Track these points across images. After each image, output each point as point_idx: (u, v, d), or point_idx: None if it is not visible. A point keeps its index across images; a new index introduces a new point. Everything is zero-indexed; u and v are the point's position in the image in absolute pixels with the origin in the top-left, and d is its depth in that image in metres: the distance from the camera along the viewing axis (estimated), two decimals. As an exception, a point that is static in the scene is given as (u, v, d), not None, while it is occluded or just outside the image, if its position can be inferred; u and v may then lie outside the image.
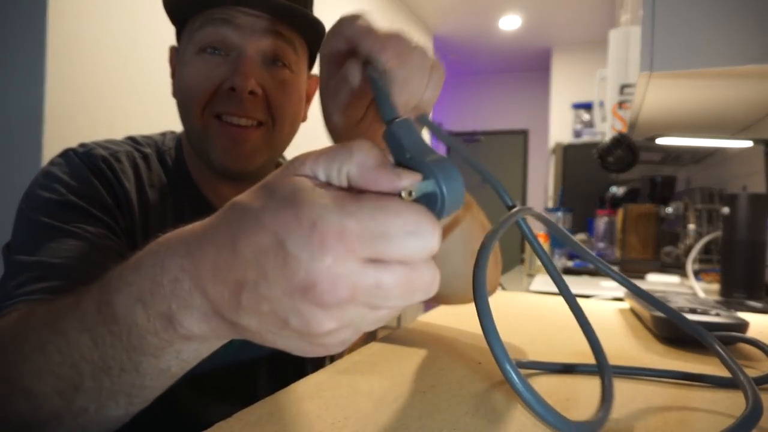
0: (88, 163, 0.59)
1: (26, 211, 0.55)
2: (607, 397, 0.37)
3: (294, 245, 0.22)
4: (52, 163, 0.60)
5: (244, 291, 0.24)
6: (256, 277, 0.24)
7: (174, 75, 0.67)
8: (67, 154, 0.60)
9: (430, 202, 0.25)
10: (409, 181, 0.24)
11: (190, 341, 0.29)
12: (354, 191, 0.24)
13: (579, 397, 0.43)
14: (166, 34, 1.85)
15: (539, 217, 0.41)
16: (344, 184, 0.25)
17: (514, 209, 0.38)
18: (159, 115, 1.84)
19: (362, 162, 0.24)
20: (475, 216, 0.58)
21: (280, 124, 0.63)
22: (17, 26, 1.52)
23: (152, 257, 0.28)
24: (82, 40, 1.60)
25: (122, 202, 0.59)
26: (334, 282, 0.22)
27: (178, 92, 0.64)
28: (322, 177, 0.25)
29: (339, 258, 0.22)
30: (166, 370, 0.31)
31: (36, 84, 1.49)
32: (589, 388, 0.46)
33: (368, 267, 0.23)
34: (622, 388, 0.46)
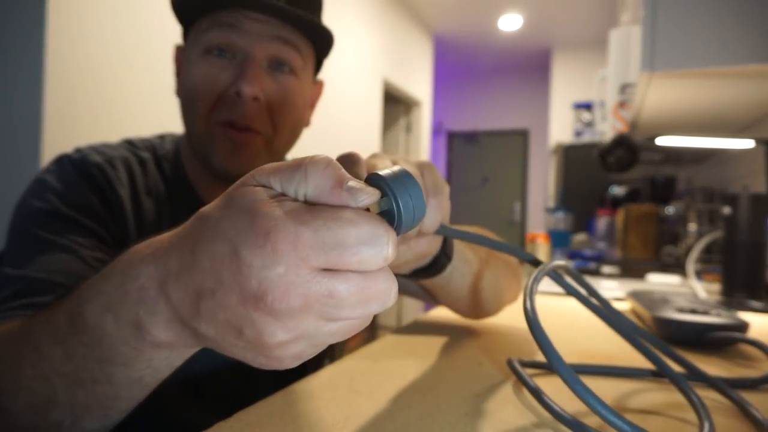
0: (82, 170, 0.59)
1: (18, 221, 0.55)
2: (703, 413, 0.37)
3: (248, 253, 0.23)
4: (46, 170, 0.59)
5: (203, 299, 0.24)
6: (213, 285, 0.24)
7: (179, 74, 0.67)
8: (60, 161, 0.60)
9: (388, 219, 0.26)
10: (365, 201, 0.24)
11: (160, 349, 0.28)
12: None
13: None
14: (168, 33, 1.85)
15: (569, 272, 0.45)
16: (301, 200, 0.25)
17: (541, 266, 0.40)
18: (161, 115, 1.84)
19: (317, 185, 0.24)
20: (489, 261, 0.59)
21: (280, 132, 0.63)
22: (17, 26, 1.52)
23: (122, 266, 0.29)
24: (82, 39, 1.59)
25: (116, 212, 0.59)
26: (285, 291, 0.22)
27: (182, 92, 0.64)
28: (278, 189, 0.25)
29: (291, 267, 0.22)
30: (138, 379, 0.31)
31: (35, 84, 1.49)
32: (593, 388, 0.46)
33: (321, 276, 0.23)
34: (627, 388, 0.46)
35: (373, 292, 0.24)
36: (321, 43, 0.66)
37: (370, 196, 0.25)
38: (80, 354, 0.30)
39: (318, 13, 0.67)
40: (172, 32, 1.90)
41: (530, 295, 0.36)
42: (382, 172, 0.26)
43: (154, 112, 1.83)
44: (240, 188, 0.25)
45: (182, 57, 0.66)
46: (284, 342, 0.24)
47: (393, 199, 0.26)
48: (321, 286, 0.23)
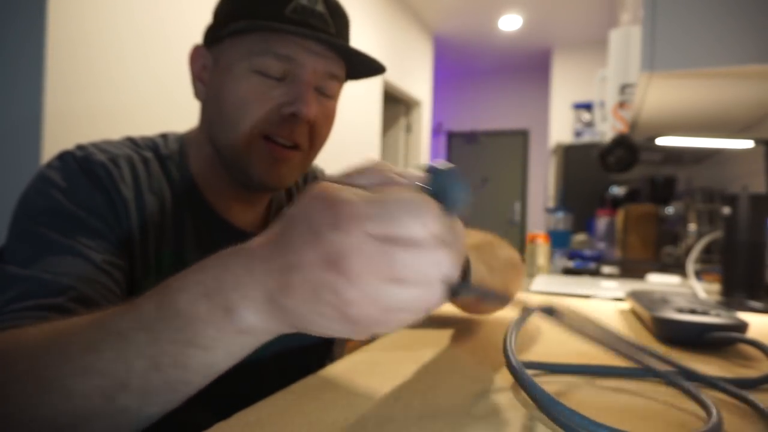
0: (86, 169, 0.58)
1: (21, 218, 0.54)
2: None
3: (321, 226, 0.28)
4: (49, 166, 0.59)
5: (291, 273, 0.29)
6: (298, 259, 0.29)
7: (200, 78, 0.65)
8: (63, 158, 0.59)
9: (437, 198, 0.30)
10: (413, 179, 0.31)
11: (242, 335, 0.32)
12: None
13: (586, 400, 0.43)
14: (169, 32, 1.85)
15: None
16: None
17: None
18: (161, 114, 1.84)
19: (376, 173, 0.31)
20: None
21: (315, 149, 0.66)
22: (17, 26, 1.52)
23: (216, 260, 0.33)
24: (82, 39, 1.60)
25: (120, 212, 0.58)
26: (354, 254, 0.27)
27: (220, 102, 0.62)
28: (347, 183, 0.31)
29: (357, 235, 0.27)
30: (212, 365, 0.33)
31: (35, 83, 1.49)
32: (595, 388, 0.46)
33: (381, 242, 0.28)
34: (627, 387, 0.46)
35: (429, 258, 0.28)
36: (360, 72, 0.68)
37: (418, 176, 0.31)
38: (165, 338, 0.32)
39: (347, 34, 0.68)
40: (172, 32, 1.90)
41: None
42: (433, 162, 0.31)
43: (154, 111, 1.83)
44: (315, 185, 0.30)
45: (209, 61, 0.64)
46: (357, 301, 0.28)
47: (437, 180, 0.31)
48: (381, 251, 0.27)
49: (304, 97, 0.59)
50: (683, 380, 0.44)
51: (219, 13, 0.64)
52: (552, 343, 0.62)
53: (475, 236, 0.71)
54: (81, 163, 0.59)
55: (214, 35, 0.64)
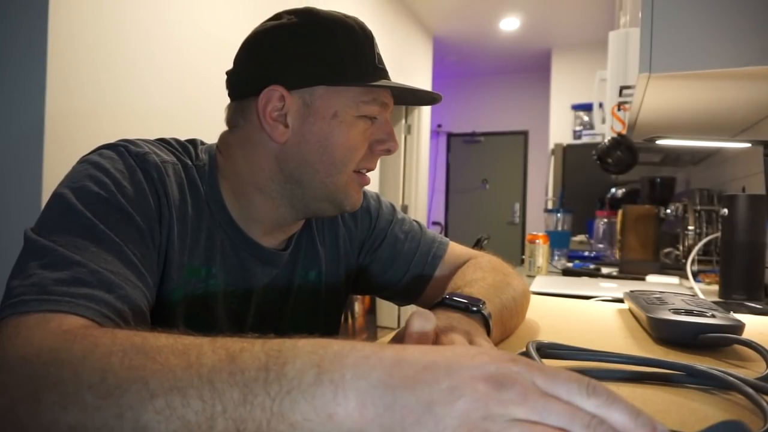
0: (143, 168, 0.57)
1: (70, 199, 0.52)
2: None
3: (504, 387, 0.28)
4: (101, 154, 0.57)
5: (435, 406, 0.28)
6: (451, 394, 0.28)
7: (278, 120, 0.63)
8: (119, 150, 0.58)
9: None
10: None
11: (332, 420, 0.30)
12: None
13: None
14: (171, 35, 1.85)
15: None
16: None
17: None
18: (162, 117, 1.85)
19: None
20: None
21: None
22: (17, 29, 1.52)
23: (339, 344, 0.32)
24: (83, 41, 1.60)
25: (164, 220, 0.58)
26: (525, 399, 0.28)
27: (322, 147, 0.63)
28: None
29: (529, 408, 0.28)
30: None
31: (37, 86, 1.49)
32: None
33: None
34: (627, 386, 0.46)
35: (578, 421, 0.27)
36: (409, 101, 0.78)
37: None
38: (258, 402, 0.30)
39: None
40: (175, 35, 1.90)
41: None
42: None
43: (156, 113, 1.84)
44: (479, 350, 0.31)
45: (296, 105, 0.62)
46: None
47: None
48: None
49: (394, 135, 0.69)
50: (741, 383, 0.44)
51: (305, 56, 0.62)
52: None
53: (486, 266, 0.75)
54: (137, 160, 0.58)
55: (302, 79, 0.62)
